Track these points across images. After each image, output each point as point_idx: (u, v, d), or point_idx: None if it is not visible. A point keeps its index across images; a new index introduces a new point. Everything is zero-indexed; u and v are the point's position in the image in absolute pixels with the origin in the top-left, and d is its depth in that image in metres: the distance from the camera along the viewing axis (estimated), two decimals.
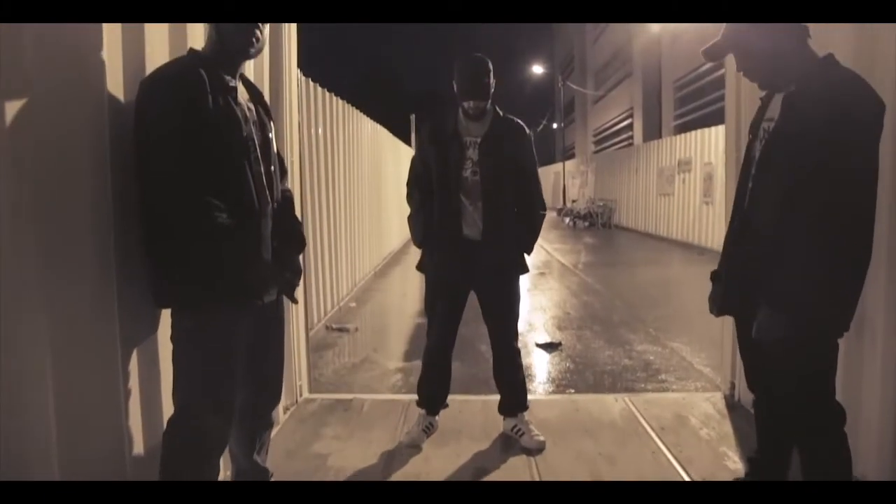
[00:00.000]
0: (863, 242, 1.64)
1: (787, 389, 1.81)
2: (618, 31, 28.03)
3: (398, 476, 2.60)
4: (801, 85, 1.74)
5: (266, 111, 1.95)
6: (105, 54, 1.65)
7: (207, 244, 1.62)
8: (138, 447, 1.84)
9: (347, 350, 5.69)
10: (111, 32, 1.70)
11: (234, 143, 1.73)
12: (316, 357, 5.25)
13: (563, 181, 30.83)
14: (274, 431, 2.43)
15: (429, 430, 2.93)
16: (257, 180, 1.79)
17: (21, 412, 1.42)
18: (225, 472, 2.14)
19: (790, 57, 1.77)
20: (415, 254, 3.08)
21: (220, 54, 1.78)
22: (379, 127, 10.46)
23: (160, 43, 1.94)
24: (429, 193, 2.79)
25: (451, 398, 3.22)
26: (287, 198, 2.03)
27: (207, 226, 1.61)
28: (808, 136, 1.63)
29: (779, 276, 1.66)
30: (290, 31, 3.30)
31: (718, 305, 1.96)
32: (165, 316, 1.83)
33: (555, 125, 46.25)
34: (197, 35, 2.02)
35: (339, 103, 7.29)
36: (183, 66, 1.71)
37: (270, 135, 1.92)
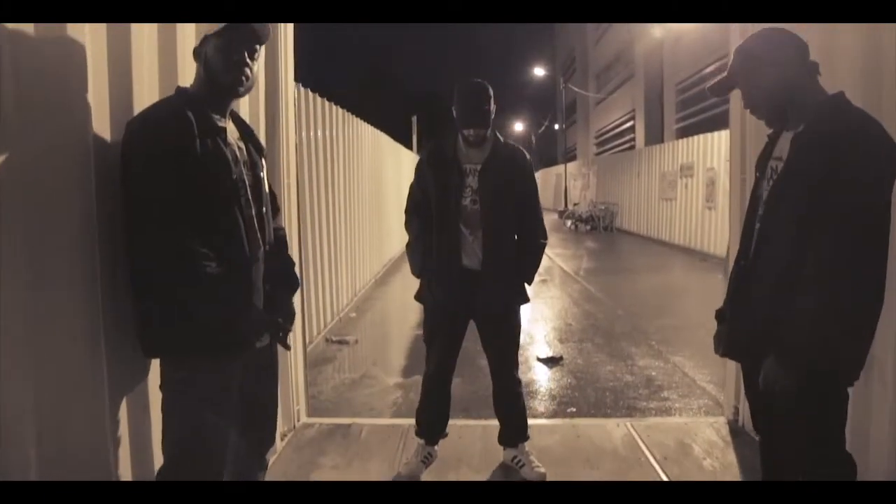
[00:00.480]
0: (875, 290, 1.58)
1: (794, 440, 1.76)
2: (619, 33, 27.94)
3: None
4: (811, 125, 1.67)
5: (257, 148, 1.90)
6: (91, 96, 1.60)
7: (195, 294, 1.58)
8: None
9: (347, 364, 5.65)
10: (98, 71, 1.65)
11: (224, 187, 1.68)
12: (315, 373, 5.21)
13: (565, 183, 30.75)
14: (272, 459, 2.39)
15: (427, 460, 2.88)
16: (248, 224, 1.74)
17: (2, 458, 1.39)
18: None
19: (799, 95, 1.72)
20: None
21: (208, 93, 1.73)
22: (379, 132, 10.41)
23: (149, 80, 1.89)
24: (428, 221, 2.73)
25: (450, 423, 3.17)
26: (280, 237, 1.98)
27: (195, 276, 1.57)
28: (818, 179, 1.58)
29: (786, 326, 1.61)
30: (287, 44, 3.25)
31: (724, 348, 1.91)
32: (156, 363, 1.78)
33: (556, 126, 46.18)
34: (188, 73, 1.98)
35: (337, 111, 7.25)
36: (170, 107, 1.66)
37: (262, 173, 1.87)
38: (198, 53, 1.75)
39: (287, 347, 1.94)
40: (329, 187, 6.77)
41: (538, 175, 45.55)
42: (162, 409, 1.70)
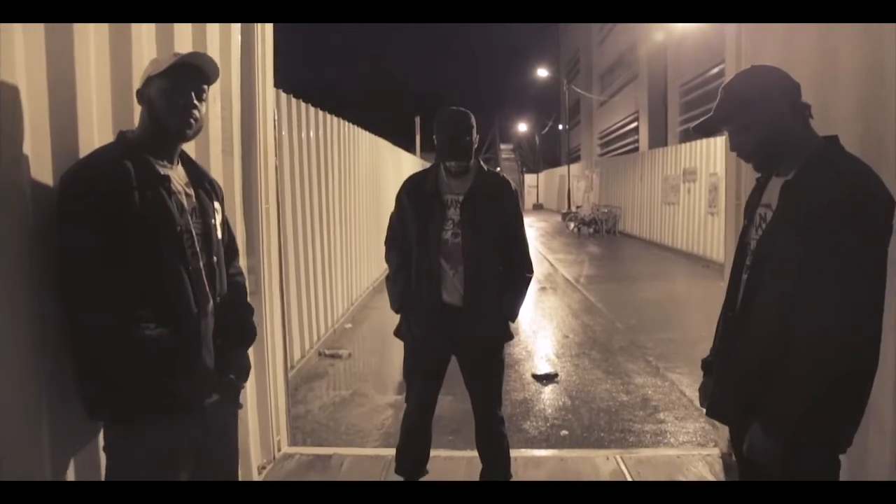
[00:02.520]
0: (870, 355, 1.48)
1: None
2: (623, 34, 27.76)
3: None
4: (802, 174, 1.57)
5: (210, 193, 1.79)
6: (28, 146, 1.50)
7: (134, 358, 1.49)
8: None
9: (339, 381, 5.57)
10: (36, 111, 1.55)
11: (166, 241, 1.57)
12: (305, 390, 5.14)
13: (569, 184, 30.61)
14: None
15: None
16: (195, 277, 1.64)
17: None
18: None
19: (790, 139, 1.60)
20: None
21: (152, 138, 1.62)
22: (377, 138, 10.32)
23: (103, 125, 1.79)
24: (408, 254, 2.62)
25: (435, 454, 3.06)
26: (237, 283, 1.88)
27: (133, 339, 1.47)
28: (808, 233, 1.47)
29: (773, 395, 1.50)
30: (266, 49, 3.16)
31: (709, 405, 1.80)
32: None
33: (561, 126, 45.97)
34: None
35: (332, 120, 7.17)
36: (107, 156, 1.55)
37: (213, 221, 1.75)
38: (141, 95, 1.63)
39: (238, 407, 1.83)
40: (322, 193, 6.69)
41: (541, 175, 45.43)
42: (105, 475, 1.61)
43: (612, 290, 9.92)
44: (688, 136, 17.92)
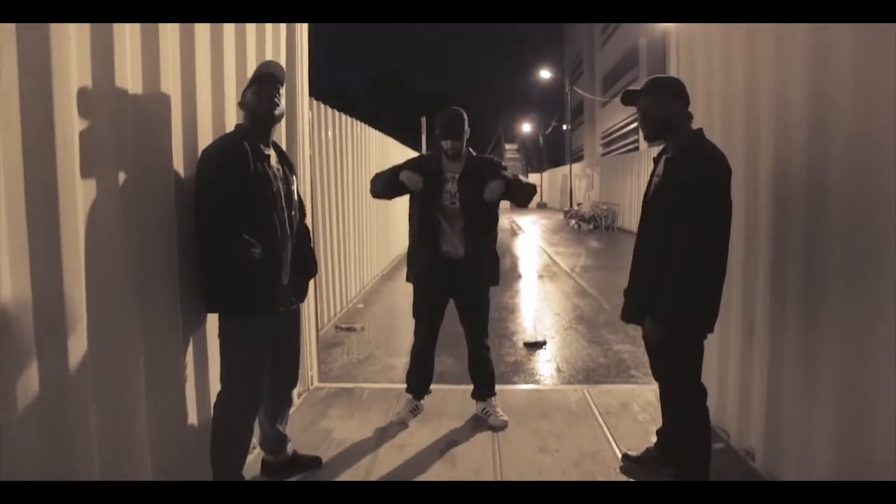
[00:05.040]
0: (718, 270, 2.29)
1: (669, 374, 2.50)
2: (625, 36, 28.44)
3: (387, 445, 3.26)
4: (678, 152, 2.40)
5: (290, 168, 2.64)
6: (172, 135, 2.35)
7: (242, 268, 2.29)
8: (192, 418, 2.53)
9: (354, 348, 6.34)
10: (175, 114, 2.38)
11: (266, 196, 2.40)
12: (325, 354, 5.91)
13: (571, 183, 31.30)
14: (290, 410, 3.08)
15: (415, 411, 3.59)
16: (281, 223, 2.46)
17: (123, 412, 2.04)
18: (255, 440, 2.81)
19: (675, 125, 2.42)
20: None
21: (254, 128, 2.45)
22: (387, 137, 11.13)
23: (205, 122, 2.63)
24: (412, 214, 3.40)
25: (437, 388, 3.87)
26: (305, 232, 2.74)
27: (243, 255, 2.28)
28: (680, 190, 2.28)
29: (660, 297, 2.31)
30: (303, 67, 3.95)
31: (626, 315, 2.61)
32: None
33: (564, 126, 46.67)
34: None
35: (346, 119, 7.96)
36: (231, 140, 2.40)
37: (292, 187, 2.60)
38: (240, 103, 2.50)
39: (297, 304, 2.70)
40: (338, 187, 7.49)
41: (545, 175, 46.11)
42: (220, 352, 2.45)
43: (604, 279, 10.66)
44: None
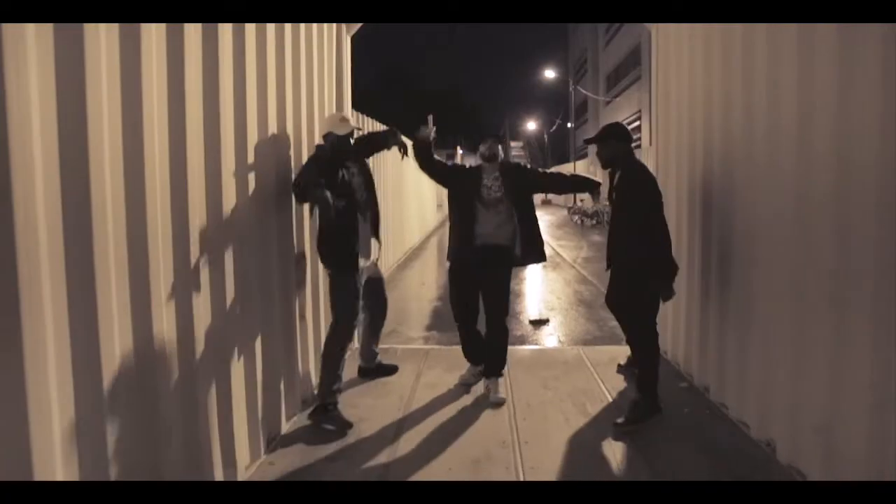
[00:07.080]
0: (662, 241, 3.33)
1: (631, 315, 3.54)
2: (628, 36, 29.05)
3: (422, 385, 4.16)
4: (625, 171, 3.47)
5: (366, 174, 3.76)
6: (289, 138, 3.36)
7: (339, 237, 3.46)
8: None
9: None
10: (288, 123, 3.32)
11: (349, 193, 3.50)
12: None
13: None
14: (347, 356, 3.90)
15: (477, 376, 4.12)
16: (361, 207, 3.62)
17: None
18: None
19: (622, 157, 3.51)
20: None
21: (339, 147, 3.54)
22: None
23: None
24: (451, 205, 4.11)
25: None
26: (376, 216, 3.82)
27: (340, 226, 3.42)
28: (630, 195, 3.37)
29: (623, 258, 3.38)
30: (347, 86, 4.78)
31: (608, 268, 3.65)
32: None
33: (569, 124, 47.33)
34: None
35: (362, 118, 8.71)
36: (326, 152, 3.57)
37: (365, 184, 3.74)
38: (325, 137, 3.64)
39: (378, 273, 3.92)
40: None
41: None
42: (329, 295, 3.65)
43: (604, 268, 11.39)
44: None
